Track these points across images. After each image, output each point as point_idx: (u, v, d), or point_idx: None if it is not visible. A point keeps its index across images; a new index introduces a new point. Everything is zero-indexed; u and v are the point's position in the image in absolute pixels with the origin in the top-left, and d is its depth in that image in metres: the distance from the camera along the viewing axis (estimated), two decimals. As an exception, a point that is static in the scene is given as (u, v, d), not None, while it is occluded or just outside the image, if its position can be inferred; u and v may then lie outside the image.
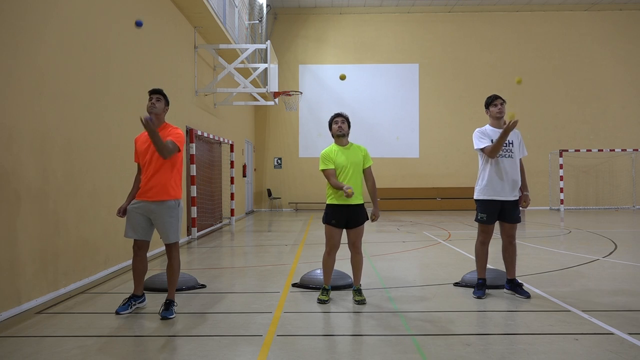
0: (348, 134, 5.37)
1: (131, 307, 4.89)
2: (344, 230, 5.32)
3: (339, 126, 5.30)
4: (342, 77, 6.24)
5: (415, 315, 4.73)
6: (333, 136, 5.38)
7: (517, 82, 6.26)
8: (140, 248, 4.92)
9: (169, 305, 4.77)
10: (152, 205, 4.78)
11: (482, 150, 5.45)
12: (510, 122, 5.18)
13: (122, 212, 4.91)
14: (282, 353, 3.78)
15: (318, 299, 5.25)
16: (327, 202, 5.31)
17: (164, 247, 8.39)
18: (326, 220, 5.28)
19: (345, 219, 5.21)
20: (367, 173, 5.37)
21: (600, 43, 20.98)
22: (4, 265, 4.72)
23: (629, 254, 8.38)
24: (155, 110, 4.86)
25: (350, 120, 5.45)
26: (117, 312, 4.82)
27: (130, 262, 7.40)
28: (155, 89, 4.99)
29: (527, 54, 20.97)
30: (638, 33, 20.95)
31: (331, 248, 5.28)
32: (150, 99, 4.91)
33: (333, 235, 5.25)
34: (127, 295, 5.06)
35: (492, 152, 5.34)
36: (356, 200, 5.22)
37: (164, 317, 4.66)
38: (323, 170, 5.23)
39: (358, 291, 5.28)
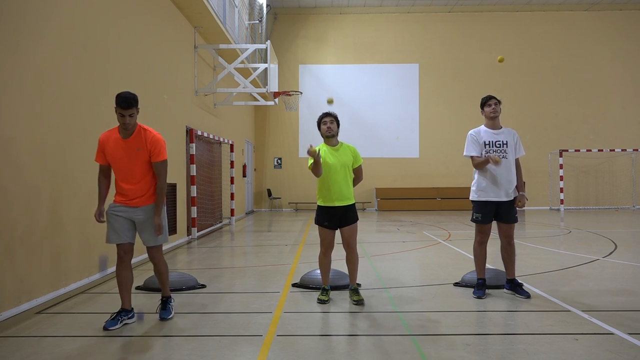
0: (337, 134, 5.28)
1: (120, 322, 4.46)
2: (338, 230, 5.30)
3: (328, 127, 5.19)
4: (330, 101, 5.97)
5: (415, 316, 4.73)
6: (322, 136, 5.30)
7: (500, 60, 6.07)
8: (126, 252, 4.60)
9: (165, 303, 4.73)
10: (139, 210, 4.57)
11: (470, 157, 5.50)
12: (491, 158, 5.27)
13: (101, 215, 4.62)
14: (282, 353, 3.78)
15: (318, 299, 5.25)
16: (317, 204, 5.30)
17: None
18: (318, 221, 5.28)
19: (337, 219, 5.20)
20: (356, 171, 5.34)
21: (600, 43, 20.98)
22: (4, 265, 4.72)
23: (629, 254, 8.37)
24: (130, 128, 4.44)
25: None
26: (105, 328, 4.37)
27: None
28: (126, 101, 4.33)
29: (527, 54, 20.97)
30: (638, 33, 20.96)
31: (326, 248, 5.29)
32: (123, 116, 4.34)
33: (326, 236, 5.25)
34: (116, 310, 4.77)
35: (477, 166, 5.50)
36: (346, 201, 5.21)
37: (163, 319, 4.63)
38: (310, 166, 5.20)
39: (355, 291, 5.27)
